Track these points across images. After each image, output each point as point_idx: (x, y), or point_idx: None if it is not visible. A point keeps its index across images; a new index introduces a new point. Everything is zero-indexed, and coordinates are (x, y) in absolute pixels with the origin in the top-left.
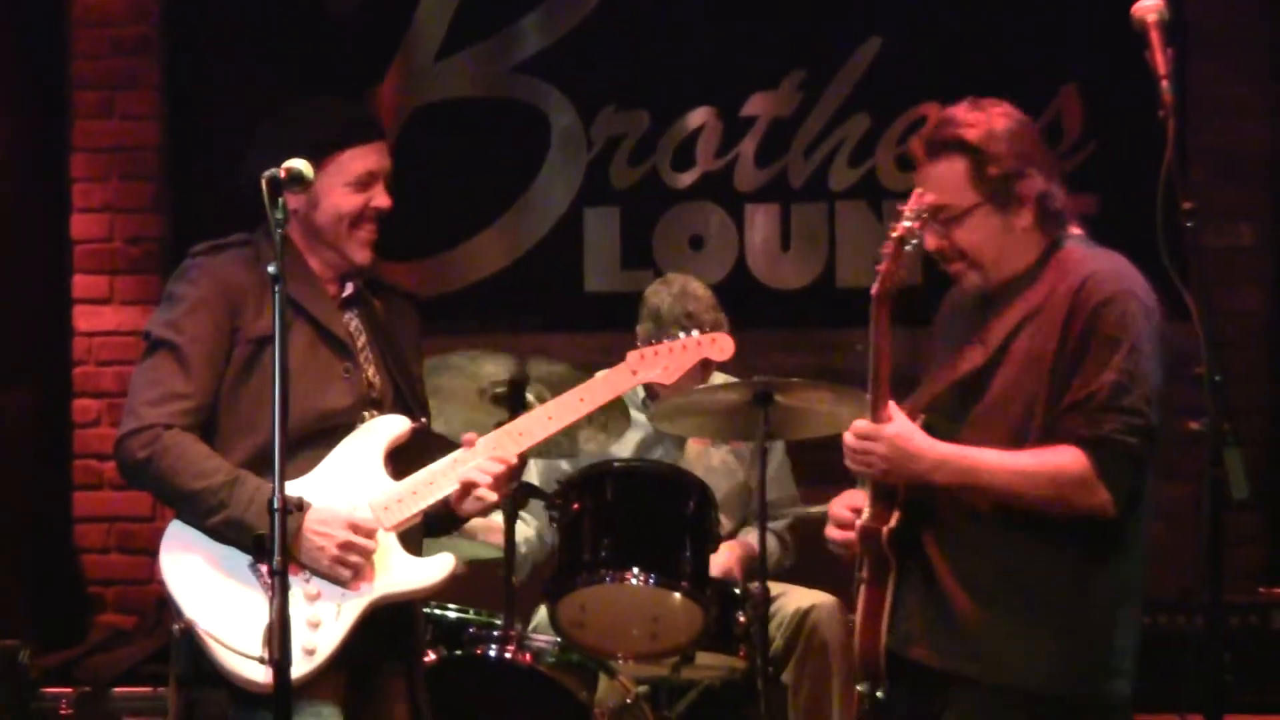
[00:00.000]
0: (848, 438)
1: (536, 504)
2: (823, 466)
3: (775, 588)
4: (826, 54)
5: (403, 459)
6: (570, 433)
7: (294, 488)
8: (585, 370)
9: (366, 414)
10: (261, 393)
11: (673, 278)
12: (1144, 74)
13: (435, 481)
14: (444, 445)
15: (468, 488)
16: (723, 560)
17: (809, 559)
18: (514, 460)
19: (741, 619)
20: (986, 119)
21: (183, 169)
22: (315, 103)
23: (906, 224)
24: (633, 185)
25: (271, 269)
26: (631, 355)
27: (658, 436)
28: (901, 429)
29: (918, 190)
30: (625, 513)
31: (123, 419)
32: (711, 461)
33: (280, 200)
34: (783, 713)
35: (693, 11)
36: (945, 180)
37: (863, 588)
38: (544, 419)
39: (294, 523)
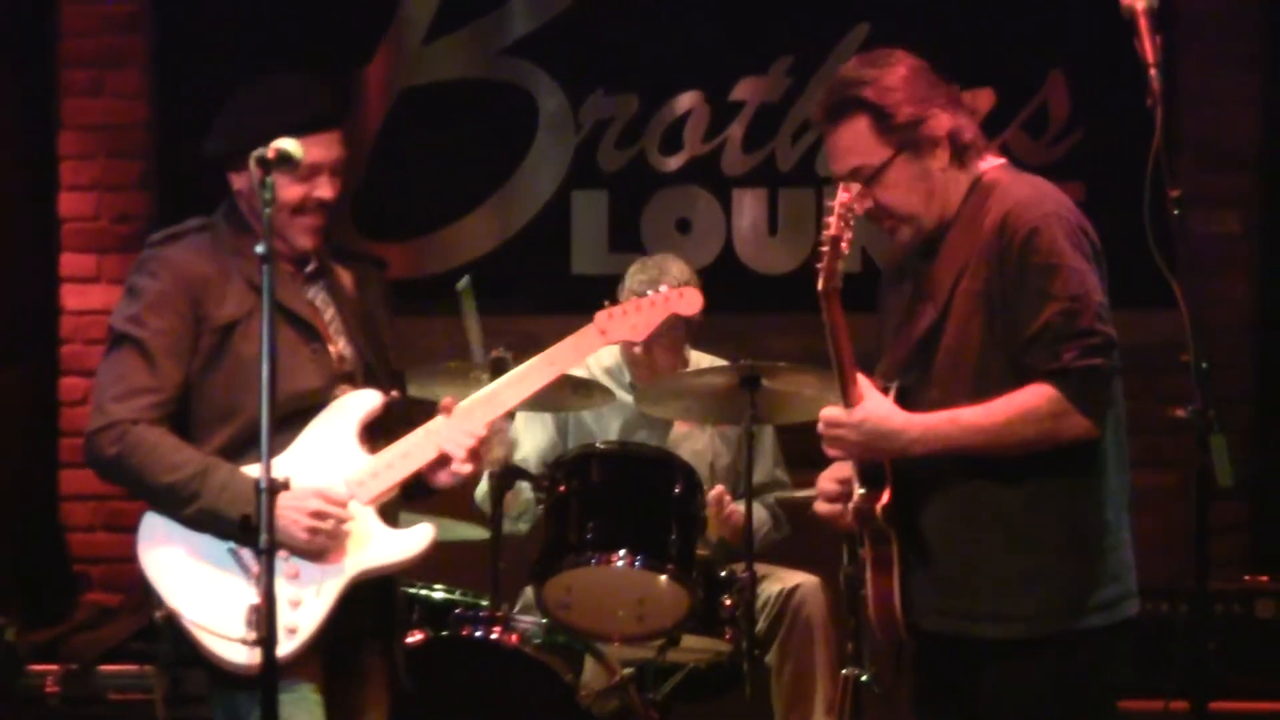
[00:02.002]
0: (820, 426)
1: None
2: (808, 451)
3: (760, 568)
4: (815, 39)
5: (380, 431)
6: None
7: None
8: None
9: (339, 390)
10: (233, 378)
11: (652, 258)
12: (1132, 61)
13: (410, 453)
14: (422, 412)
15: (444, 459)
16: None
17: (793, 541)
18: (483, 431)
19: (727, 602)
20: (878, 72)
21: (171, 147)
22: (270, 87)
23: (834, 227)
24: (620, 169)
25: (260, 249)
26: (600, 315)
27: (643, 418)
28: (872, 409)
29: (842, 187)
30: (612, 495)
31: (90, 416)
32: (697, 445)
33: (269, 180)
34: (767, 695)
35: None
36: (853, 141)
37: (868, 566)
38: (515, 383)
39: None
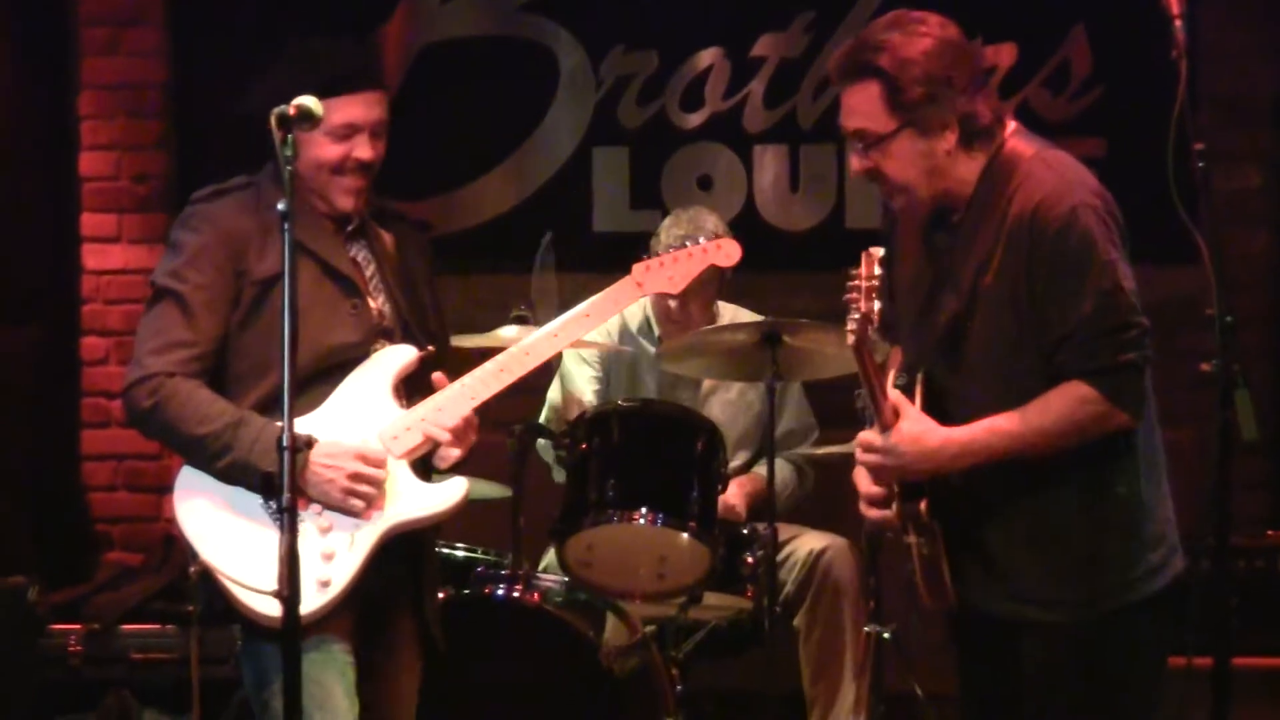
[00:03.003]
0: (857, 453)
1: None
2: (833, 408)
3: (787, 530)
4: None
5: (416, 386)
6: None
7: (303, 424)
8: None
9: (376, 346)
10: (271, 333)
11: (685, 211)
12: (1152, 16)
13: (444, 408)
14: (467, 363)
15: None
16: (729, 496)
17: (821, 502)
18: (460, 420)
19: (749, 559)
20: (902, 40)
21: (190, 107)
22: (310, 46)
23: (863, 305)
24: (641, 125)
25: (281, 206)
26: (636, 267)
27: (677, 375)
28: (910, 431)
29: (866, 256)
30: (633, 453)
31: (128, 369)
32: (730, 394)
33: (290, 137)
34: (788, 653)
35: None
36: (862, 105)
37: (914, 548)
38: (550, 337)
39: (301, 459)
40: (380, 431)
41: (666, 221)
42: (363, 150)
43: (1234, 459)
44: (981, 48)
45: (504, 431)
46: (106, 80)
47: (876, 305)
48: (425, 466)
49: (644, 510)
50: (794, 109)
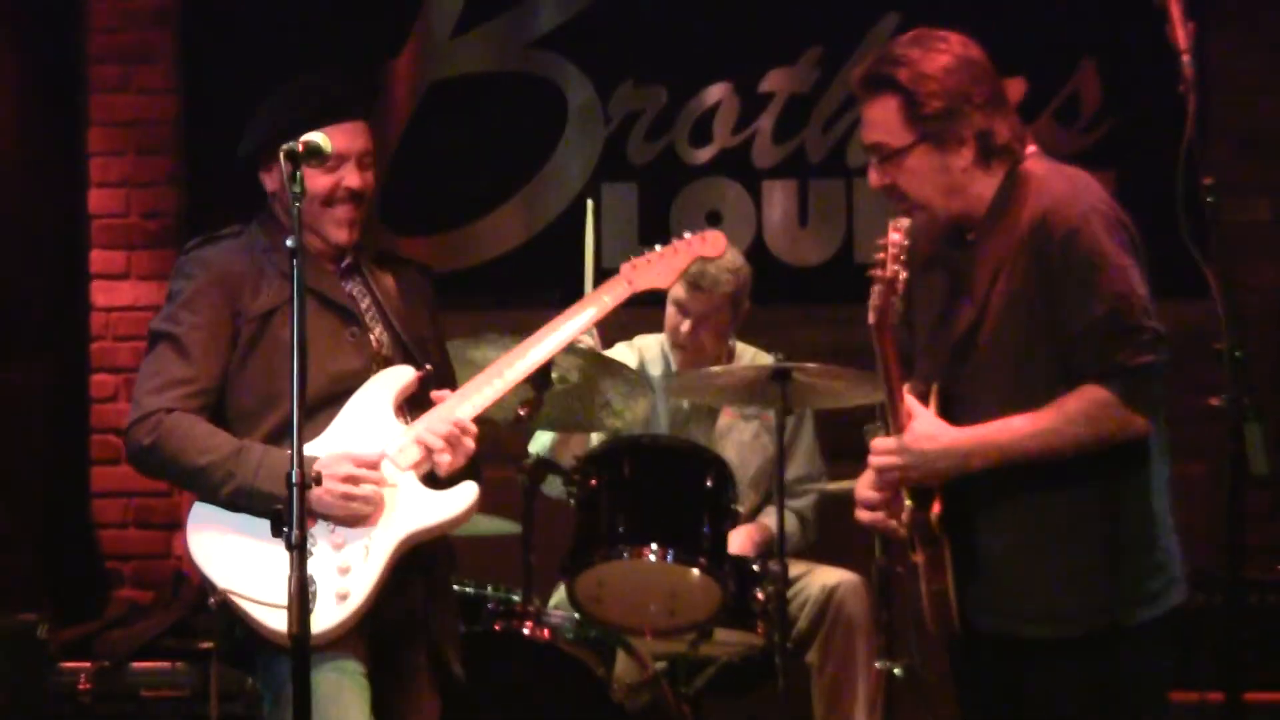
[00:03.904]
0: (871, 458)
1: None
2: (843, 442)
3: (799, 566)
4: (844, 29)
5: (417, 405)
6: (593, 407)
7: (310, 449)
8: (605, 343)
9: (376, 371)
10: (271, 366)
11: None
12: (1163, 48)
13: (442, 417)
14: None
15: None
16: (737, 543)
17: (833, 537)
18: (452, 426)
19: (760, 595)
20: (921, 55)
21: (199, 143)
22: (291, 85)
23: (889, 269)
24: (650, 161)
25: (290, 242)
26: (625, 266)
27: (690, 411)
28: (923, 430)
29: (891, 226)
30: (643, 488)
31: (129, 412)
32: (744, 436)
33: (298, 174)
34: (802, 689)
35: None
36: (880, 119)
37: (921, 567)
38: (539, 342)
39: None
40: (385, 449)
41: None
42: (351, 179)
43: (1245, 493)
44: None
45: (513, 467)
46: (116, 117)
47: (902, 274)
48: (436, 477)
49: (654, 546)
50: (803, 144)
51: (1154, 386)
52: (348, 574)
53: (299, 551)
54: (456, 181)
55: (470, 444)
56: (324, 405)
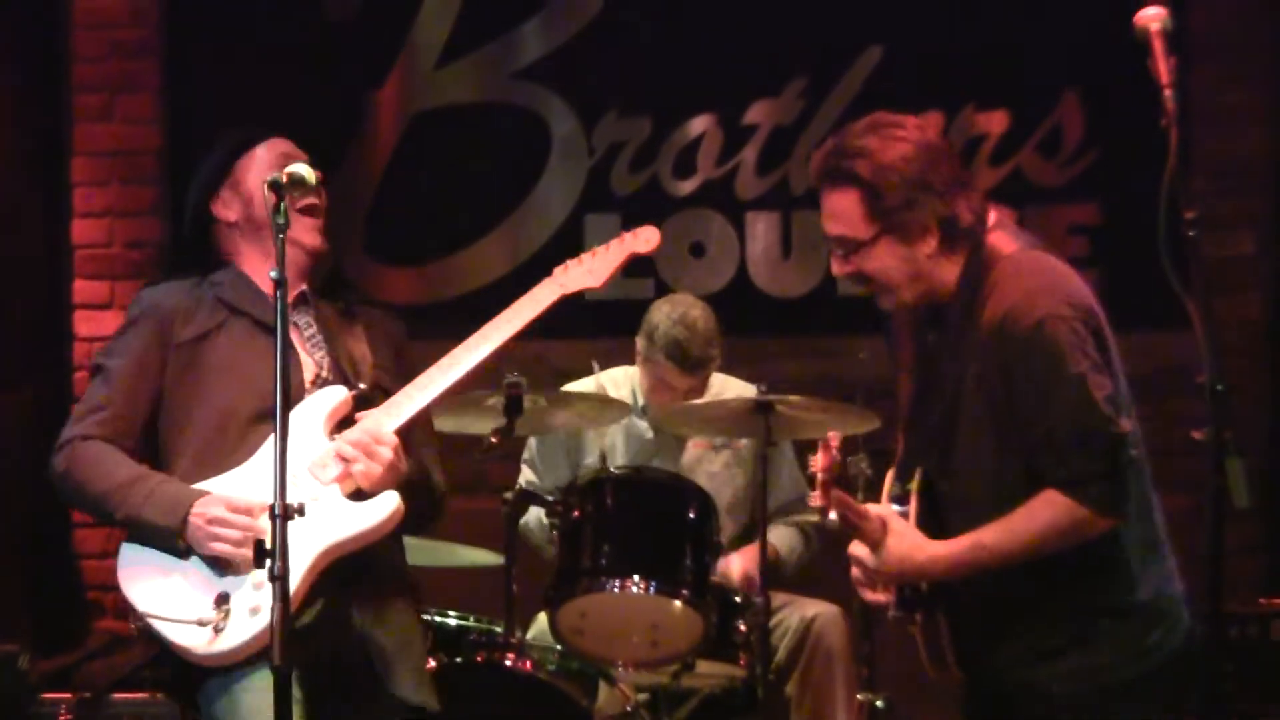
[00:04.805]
0: (853, 571)
1: None
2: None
3: (779, 597)
4: (828, 62)
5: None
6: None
7: (236, 474)
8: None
9: (311, 393)
10: (199, 389)
11: (679, 299)
12: (1145, 81)
13: (364, 429)
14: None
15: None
16: (742, 565)
17: (812, 568)
18: (366, 435)
19: (742, 627)
20: (880, 145)
21: (183, 173)
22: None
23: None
24: (634, 192)
25: (273, 274)
26: (556, 269)
27: (656, 443)
28: (897, 550)
29: (823, 444)
30: (626, 520)
31: None
32: (713, 466)
33: (282, 205)
34: None
35: (694, 19)
36: (842, 211)
37: (919, 626)
38: (470, 348)
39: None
40: (310, 464)
41: (661, 301)
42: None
43: (1227, 526)
44: (974, 115)
45: (496, 498)
46: (99, 147)
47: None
48: (366, 494)
49: (637, 577)
50: (786, 175)
51: (1115, 489)
52: (262, 589)
53: (281, 584)
54: (441, 212)
55: (387, 454)
56: (255, 423)
